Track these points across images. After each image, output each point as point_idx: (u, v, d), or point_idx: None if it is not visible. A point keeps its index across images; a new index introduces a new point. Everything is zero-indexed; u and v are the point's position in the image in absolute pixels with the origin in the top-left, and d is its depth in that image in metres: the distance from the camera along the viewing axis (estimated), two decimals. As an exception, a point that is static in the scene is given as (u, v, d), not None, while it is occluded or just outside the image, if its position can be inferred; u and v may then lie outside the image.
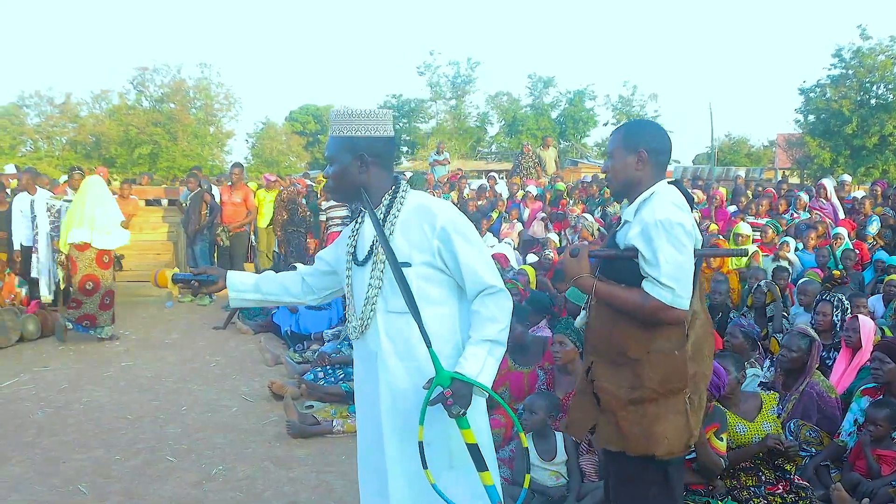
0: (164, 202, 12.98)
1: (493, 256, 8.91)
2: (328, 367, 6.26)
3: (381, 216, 2.43)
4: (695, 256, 2.40)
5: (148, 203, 12.64)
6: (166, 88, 29.20)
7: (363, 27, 68.61)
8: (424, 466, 2.25)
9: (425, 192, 2.72)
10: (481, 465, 2.31)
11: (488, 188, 13.13)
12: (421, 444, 2.26)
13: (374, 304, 2.41)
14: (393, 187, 2.48)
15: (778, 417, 3.85)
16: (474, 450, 2.30)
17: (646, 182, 2.48)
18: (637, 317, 2.37)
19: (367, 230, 2.49)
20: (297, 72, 71.30)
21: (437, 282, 2.39)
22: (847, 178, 11.94)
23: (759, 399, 3.83)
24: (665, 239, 2.29)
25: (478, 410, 2.40)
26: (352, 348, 6.58)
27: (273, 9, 70.06)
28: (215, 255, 10.77)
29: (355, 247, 2.54)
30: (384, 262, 2.39)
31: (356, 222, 2.58)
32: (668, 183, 2.51)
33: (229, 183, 10.27)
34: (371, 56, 73.04)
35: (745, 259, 7.52)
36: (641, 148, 2.47)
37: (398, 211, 2.43)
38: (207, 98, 29.49)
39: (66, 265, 8.02)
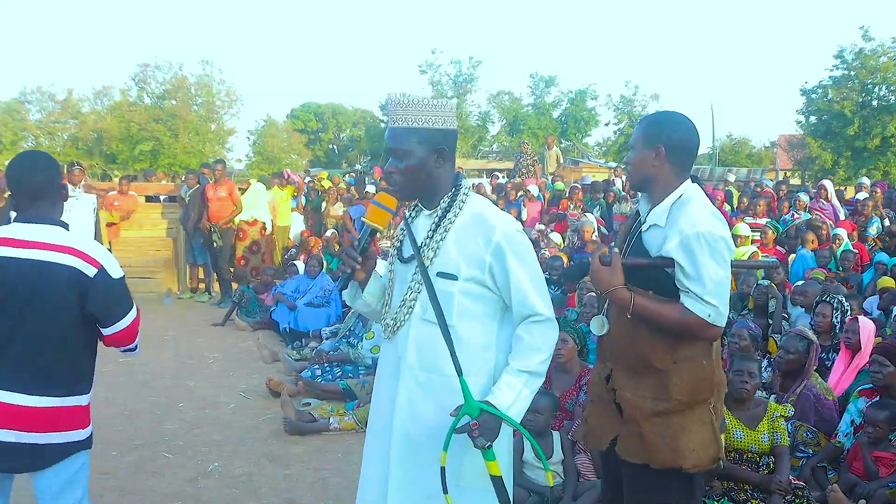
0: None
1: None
2: (326, 364, 6.26)
3: (437, 219, 2.26)
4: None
5: (148, 199, 12.64)
6: (168, 85, 29.29)
7: (365, 25, 68.73)
8: (445, 492, 2.14)
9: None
10: (504, 498, 2.18)
11: (481, 186, 13.12)
12: (443, 469, 2.14)
13: (411, 307, 2.25)
14: (454, 188, 2.29)
15: (784, 427, 3.72)
16: (498, 482, 2.17)
17: (664, 179, 2.36)
18: (673, 331, 2.28)
19: (421, 227, 2.32)
20: (299, 69, 71.44)
21: (481, 298, 2.23)
22: (866, 180, 11.77)
23: (765, 407, 3.75)
24: (708, 254, 2.18)
25: (503, 440, 2.25)
26: (350, 346, 6.62)
27: (275, 6, 70.08)
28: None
29: (402, 241, 2.37)
30: (427, 267, 2.23)
31: (409, 216, 2.39)
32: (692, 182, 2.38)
33: (213, 180, 10.30)
34: (373, 54, 73.24)
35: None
36: (660, 143, 2.34)
37: (455, 216, 2.24)
38: (209, 95, 29.54)
39: (237, 235, 10.45)
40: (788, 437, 3.81)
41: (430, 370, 2.25)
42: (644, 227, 2.40)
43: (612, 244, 2.49)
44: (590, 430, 2.55)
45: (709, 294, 2.19)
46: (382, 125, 31.75)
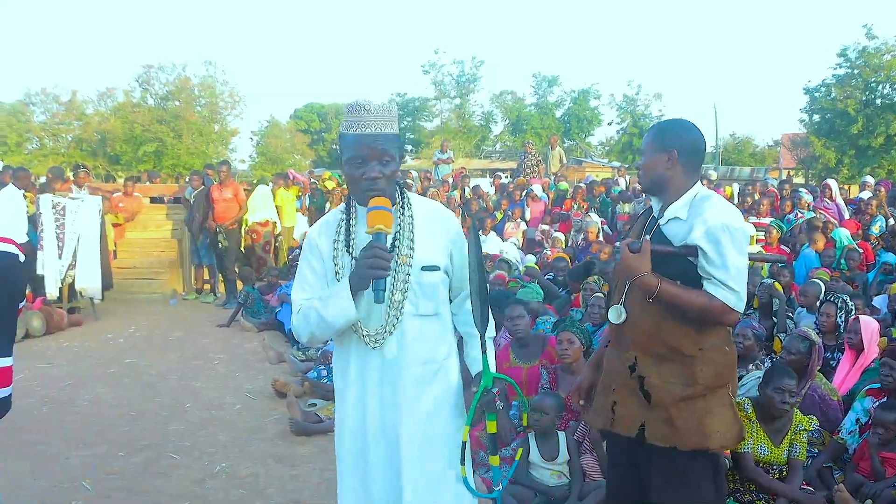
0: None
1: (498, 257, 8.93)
2: (331, 364, 6.26)
3: (399, 218, 2.33)
4: None
5: (152, 200, 12.67)
6: (171, 86, 29.28)
7: (368, 26, 68.76)
8: (462, 463, 2.33)
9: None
10: (494, 451, 2.40)
11: (481, 188, 13.15)
12: (464, 444, 2.33)
13: (400, 308, 2.27)
14: (398, 188, 2.39)
15: (804, 441, 3.66)
16: (492, 438, 2.37)
17: (677, 181, 2.49)
18: (697, 317, 2.40)
19: None
20: (302, 70, 71.51)
21: (446, 283, 2.42)
22: (870, 179, 11.72)
23: (790, 418, 3.67)
24: (731, 243, 2.34)
25: (459, 398, 2.49)
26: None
27: (278, 7, 70.15)
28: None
29: (355, 247, 2.31)
30: (410, 265, 2.28)
31: (344, 221, 2.39)
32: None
33: (217, 181, 10.32)
34: (376, 55, 73.32)
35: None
36: (672, 147, 2.48)
37: (412, 213, 2.35)
38: (212, 96, 29.54)
39: (252, 237, 10.84)
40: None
41: (425, 362, 2.36)
42: (662, 221, 2.53)
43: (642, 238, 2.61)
44: (618, 419, 2.59)
45: (732, 280, 2.34)
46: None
